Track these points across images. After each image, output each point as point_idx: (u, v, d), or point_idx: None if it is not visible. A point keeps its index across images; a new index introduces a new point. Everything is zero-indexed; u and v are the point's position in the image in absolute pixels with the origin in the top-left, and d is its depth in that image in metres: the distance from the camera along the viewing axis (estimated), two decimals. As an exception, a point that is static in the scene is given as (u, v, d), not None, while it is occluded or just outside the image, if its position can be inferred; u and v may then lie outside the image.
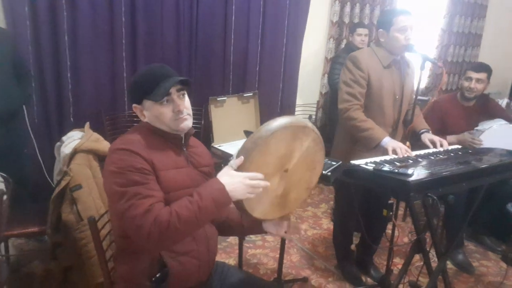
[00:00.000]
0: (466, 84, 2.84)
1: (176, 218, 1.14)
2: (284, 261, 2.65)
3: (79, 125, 2.45)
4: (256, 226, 1.47)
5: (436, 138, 2.14)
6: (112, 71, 3.06)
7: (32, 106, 2.80)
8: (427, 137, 2.16)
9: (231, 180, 1.17)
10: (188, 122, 1.33)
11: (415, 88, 2.13)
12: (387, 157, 1.86)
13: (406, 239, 3.05)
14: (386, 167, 1.63)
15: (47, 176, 2.71)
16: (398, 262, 2.68)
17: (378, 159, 1.81)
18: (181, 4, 3.18)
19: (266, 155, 1.19)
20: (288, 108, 4.05)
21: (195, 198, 1.17)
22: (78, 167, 1.92)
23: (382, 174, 1.59)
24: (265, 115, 3.65)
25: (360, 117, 2.07)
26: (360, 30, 3.71)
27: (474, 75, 2.81)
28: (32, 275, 2.30)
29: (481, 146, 2.60)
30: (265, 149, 1.17)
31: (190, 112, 1.36)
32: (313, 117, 4.23)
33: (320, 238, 3.03)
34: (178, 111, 1.30)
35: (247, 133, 1.60)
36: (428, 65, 4.69)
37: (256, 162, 1.18)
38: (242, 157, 1.16)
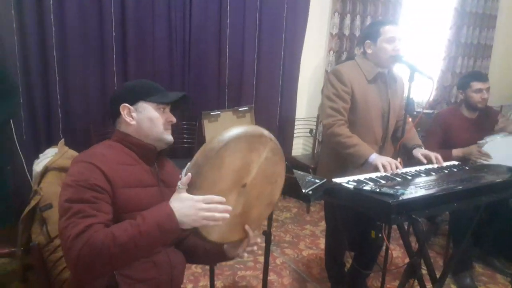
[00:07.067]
0: (476, 96, 2.72)
1: (112, 240, 1.01)
2: (275, 283, 2.51)
3: (68, 141, 2.40)
4: (219, 252, 1.35)
5: (432, 153, 2.00)
6: (103, 86, 3.02)
7: (20, 122, 2.76)
8: (419, 152, 2.02)
9: (181, 204, 1.05)
10: (172, 137, 1.34)
11: (403, 103, 2.02)
12: (372, 175, 1.72)
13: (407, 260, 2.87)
14: (368, 186, 1.50)
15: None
16: (395, 285, 2.50)
17: (362, 176, 1.68)
18: (173, 17, 3.13)
19: (220, 170, 1.06)
20: (287, 122, 3.94)
21: (138, 221, 1.05)
22: (49, 186, 1.82)
23: (362, 194, 1.46)
24: (263, 129, 3.54)
25: (345, 133, 1.95)
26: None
27: (483, 85, 2.71)
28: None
29: (489, 161, 2.45)
30: (218, 163, 1.05)
31: None
32: (314, 131, 4.11)
33: (316, 258, 2.87)
34: (170, 121, 1.32)
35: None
36: (430, 76, 4.53)
37: (209, 178, 1.06)
38: (190, 175, 1.04)
